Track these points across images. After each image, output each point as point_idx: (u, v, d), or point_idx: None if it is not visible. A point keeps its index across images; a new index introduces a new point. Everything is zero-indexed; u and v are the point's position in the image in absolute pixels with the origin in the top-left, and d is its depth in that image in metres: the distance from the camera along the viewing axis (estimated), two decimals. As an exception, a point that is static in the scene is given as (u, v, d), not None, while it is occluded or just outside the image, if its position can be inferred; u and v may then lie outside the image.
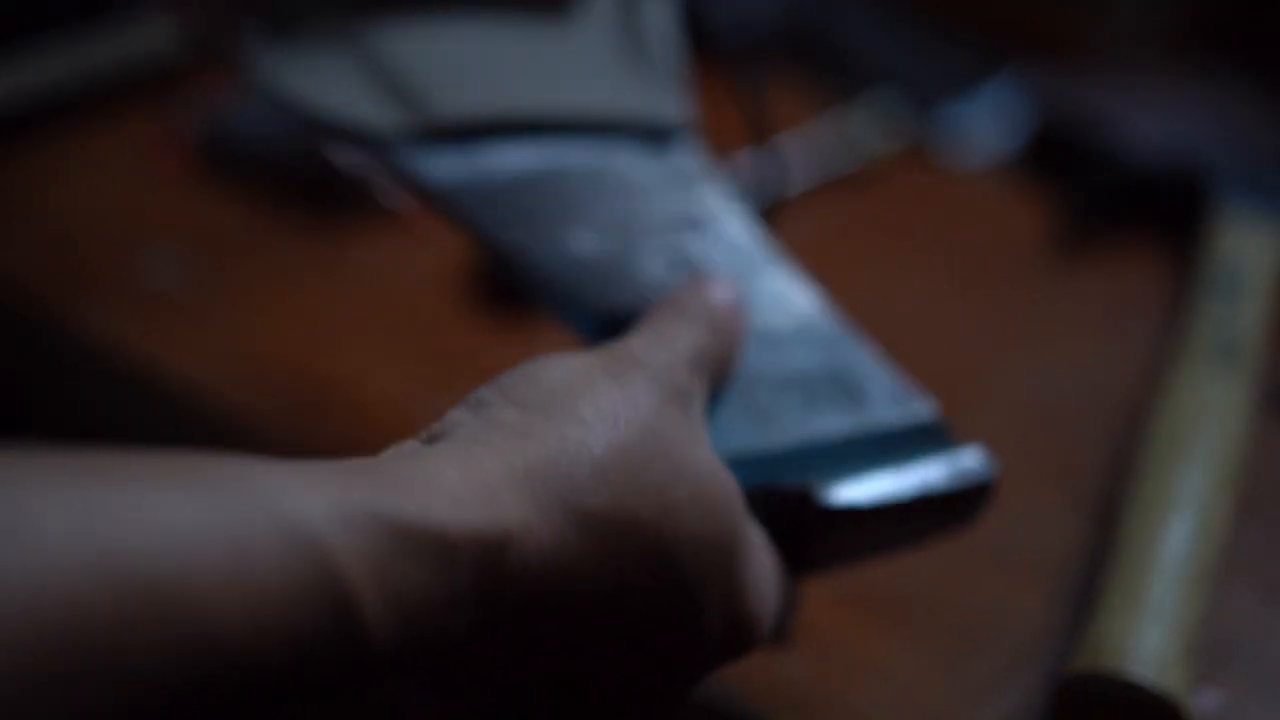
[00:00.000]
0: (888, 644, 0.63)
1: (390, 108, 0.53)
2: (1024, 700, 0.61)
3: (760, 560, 0.46)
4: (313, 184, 0.86)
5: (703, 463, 0.44)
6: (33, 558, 0.31)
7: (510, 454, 0.41)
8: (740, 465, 0.47)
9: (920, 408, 0.53)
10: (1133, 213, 0.89)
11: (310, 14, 0.56)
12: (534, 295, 0.52)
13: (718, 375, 0.49)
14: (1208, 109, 0.98)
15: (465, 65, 0.56)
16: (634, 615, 0.42)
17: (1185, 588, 0.61)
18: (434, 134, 0.54)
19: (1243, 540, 0.67)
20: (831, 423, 0.50)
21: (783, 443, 0.49)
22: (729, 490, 0.45)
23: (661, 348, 0.47)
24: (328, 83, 0.54)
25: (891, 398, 0.52)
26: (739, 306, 0.52)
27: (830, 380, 0.52)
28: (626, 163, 0.57)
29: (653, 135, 0.58)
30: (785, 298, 0.55)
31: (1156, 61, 1.05)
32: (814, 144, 0.89)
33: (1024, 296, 0.85)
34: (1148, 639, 0.58)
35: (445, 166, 0.53)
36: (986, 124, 0.98)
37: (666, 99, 0.59)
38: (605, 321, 0.51)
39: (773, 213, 0.67)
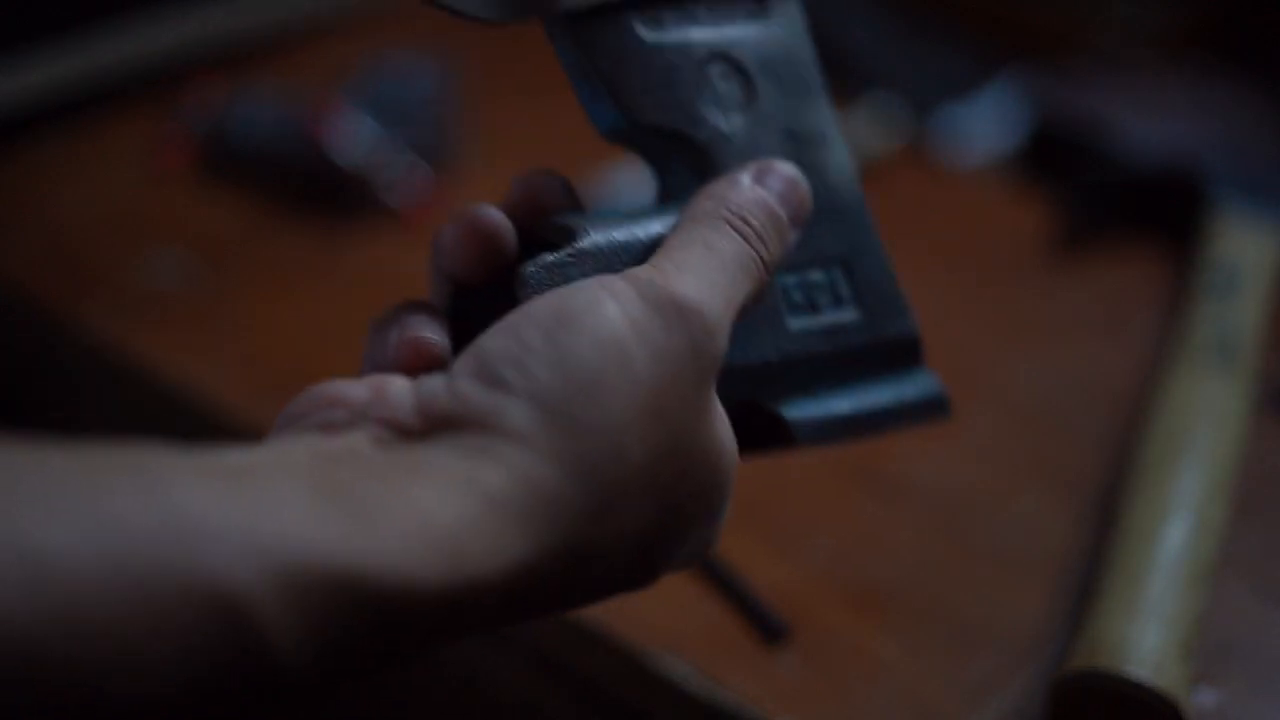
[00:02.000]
0: (887, 644, 0.63)
1: None
2: (1023, 699, 0.61)
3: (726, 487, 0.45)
4: (312, 184, 0.86)
5: (715, 441, 0.42)
6: None
7: (515, 479, 0.37)
8: (729, 378, 0.46)
9: (906, 323, 0.53)
10: (1130, 213, 0.89)
11: None
12: (573, 69, 0.49)
13: (756, 304, 0.46)
14: (1205, 110, 0.98)
15: None
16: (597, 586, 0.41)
17: (1183, 587, 0.61)
18: (548, 12, 0.52)
19: (1240, 539, 0.67)
20: (822, 339, 0.50)
21: (773, 356, 0.49)
22: (731, 456, 0.43)
23: (713, 295, 0.42)
24: None
25: (884, 304, 0.52)
26: (796, 215, 0.48)
27: (835, 282, 0.52)
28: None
29: (764, 4, 0.56)
30: (826, 151, 0.53)
31: (1154, 63, 1.05)
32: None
33: (1022, 296, 0.85)
34: (1146, 638, 0.58)
35: None
36: (985, 124, 0.98)
37: None
38: (632, 130, 0.49)
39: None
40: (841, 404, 0.51)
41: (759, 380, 0.49)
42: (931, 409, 0.52)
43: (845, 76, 0.99)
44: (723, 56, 0.52)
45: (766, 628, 0.63)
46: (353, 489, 0.35)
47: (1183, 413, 0.70)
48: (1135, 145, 0.92)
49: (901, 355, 0.53)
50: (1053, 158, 0.94)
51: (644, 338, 0.40)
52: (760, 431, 0.49)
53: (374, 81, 0.93)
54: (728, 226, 0.45)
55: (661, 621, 0.63)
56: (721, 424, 0.43)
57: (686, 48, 0.51)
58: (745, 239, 0.45)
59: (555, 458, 0.38)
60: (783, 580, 0.65)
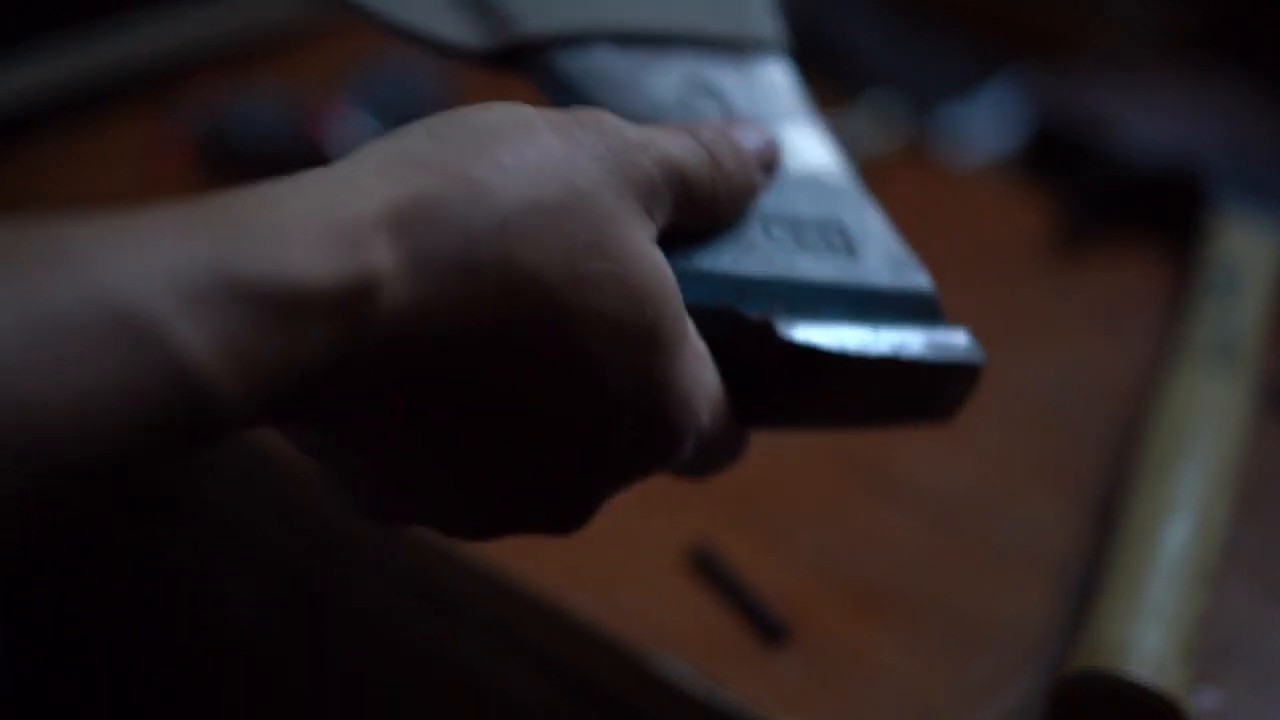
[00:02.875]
0: (887, 644, 0.63)
1: (473, 21, 0.51)
2: (1023, 699, 0.61)
3: (695, 369, 0.42)
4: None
5: (634, 244, 0.40)
6: None
7: (400, 187, 0.37)
8: (704, 282, 0.44)
9: (918, 278, 0.49)
10: (1131, 213, 0.89)
11: None
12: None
13: (703, 208, 0.44)
14: (1206, 109, 0.98)
15: None
16: (529, 388, 0.39)
17: (1184, 587, 0.61)
18: (516, 49, 0.51)
19: (1241, 540, 0.67)
20: (817, 267, 0.47)
21: (757, 272, 0.45)
22: (660, 281, 0.41)
23: (639, 133, 0.42)
24: None
25: (890, 261, 0.49)
26: (763, 155, 0.47)
27: (828, 229, 0.49)
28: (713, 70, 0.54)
29: (744, 53, 0.55)
30: (807, 148, 0.51)
31: (1155, 62, 1.05)
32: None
33: (1023, 296, 0.85)
34: (1146, 638, 0.58)
35: None
36: (985, 124, 0.98)
37: (761, 18, 0.56)
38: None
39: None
40: (854, 334, 0.45)
41: (746, 293, 0.45)
42: (965, 358, 0.47)
43: (845, 76, 0.99)
44: (701, 85, 0.52)
45: (766, 628, 0.63)
46: (226, 209, 0.35)
47: (1184, 413, 0.70)
48: (1136, 145, 0.92)
49: (920, 309, 0.48)
50: (1053, 158, 0.94)
51: (556, 125, 0.41)
52: (746, 350, 0.44)
53: (374, 81, 0.93)
54: (681, 128, 0.45)
55: (661, 621, 0.63)
56: (655, 256, 0.41)
57: (664, 70, 0.50)
58: (693, 135, 0.44)
59: (440, 176, 0.38)
60: (783, 580, 0.65)
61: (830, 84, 0.97)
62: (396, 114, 0.89)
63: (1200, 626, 0.60)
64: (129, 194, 0.87)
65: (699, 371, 0.43)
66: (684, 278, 0.43)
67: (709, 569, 0.65)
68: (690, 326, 0.43)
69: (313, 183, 0.37)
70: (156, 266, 0.33)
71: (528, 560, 0.65)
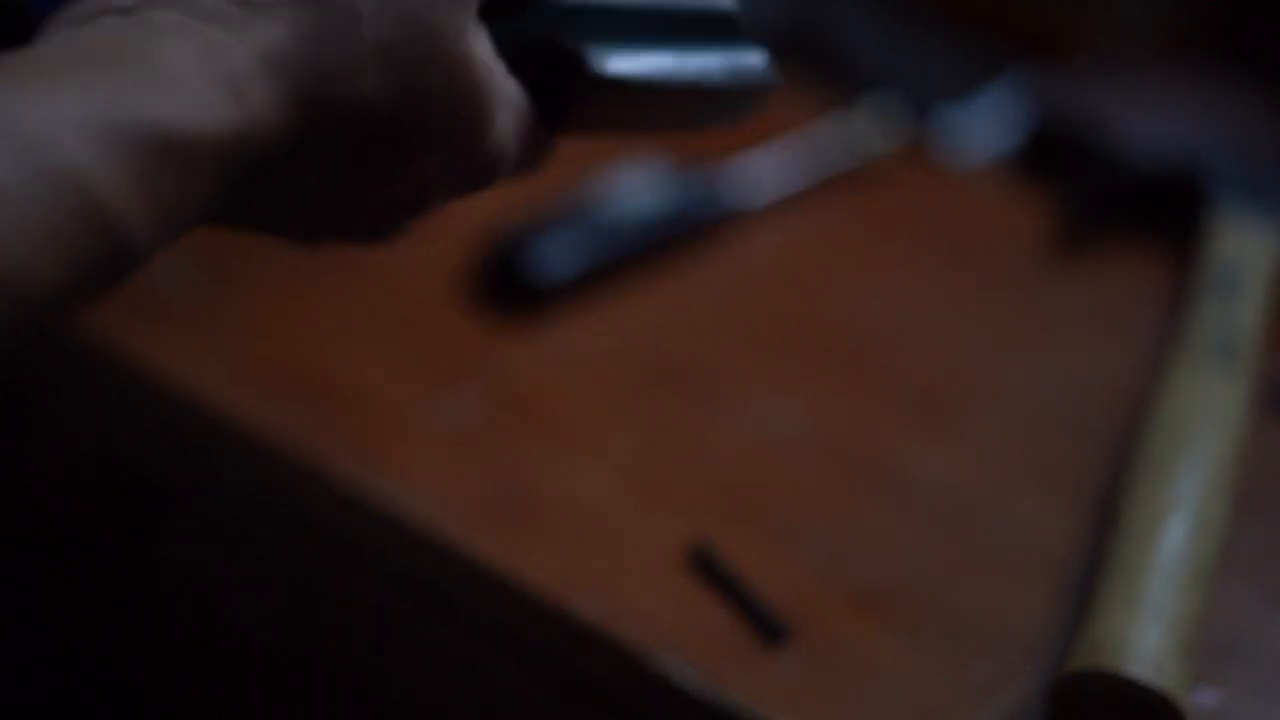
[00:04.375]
0: (887, 644, 0.63)
1: None
2: (1023, 699, 0.61)
3: (504, 109, 0.47)
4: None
5: (464, 54, 0.45)
6: None
7: (261, 41, 0.42)
8: (529, 14, 0.46)
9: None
10: (1130, 214, 0.89)
11: None
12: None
13: None
14: (1205, 110, 0.98)
15: None
16: (370, 170, 0.46)
17: (1183, 587, 0.61)
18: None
19: (1240, 539, 0.67)
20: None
21: (573, 1, 0.48)
22: (482, 87, 0.46)
23: None
24: None
25: None
26: None
27: None
28: None
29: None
30: None
31: (1155, 63, 1.05)
32: (814, 145, 0.89)
33: (1022, 297, 0.85)
34: (1146, 638, 0.58)
35: None
36: (986, 125, 0.98)
37: None
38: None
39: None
40: (660, 61, 0.48)
41: (557, 22, 0.48)
42: (761, 80, 0.50)
43: (845, 78, 0.99)
44: None
45: (766, 628, 0.63)
46: (120, 58, 0.40)
47: (1183, 413, 0.71)
48: (1135, 146, 0.92)
49: (722, 27, 0.51)
50: (1053, 158, 0.94)
51: None
52: (557, 78, 0.47)
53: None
54: None
55: (661, 621, 0.63)
56: (480, 40, 0.46)
57: None
58: None
59: (294, 27, 0.43)
60: (783, 580, 0.65)
61: (830, 86, 0.97)
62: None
63: (1199, 626, 0.60)
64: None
65: (506, 110, 0.47)
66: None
67: (709, 569, 0.65)
68: (499, 77, 0.47)
69: (181, 39, 0.41)
70: (71, 117, 0.37)
71: (528, 560, 0.65)
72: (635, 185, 0.83)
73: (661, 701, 0.62)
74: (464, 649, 0.69)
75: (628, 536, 0.66)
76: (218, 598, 0.78)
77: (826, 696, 0.61)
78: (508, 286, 0.77)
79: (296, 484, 0.70)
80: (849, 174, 0.90)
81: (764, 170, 0.86)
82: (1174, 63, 1.04)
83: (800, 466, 0.71)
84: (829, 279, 0.84)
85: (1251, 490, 0.70)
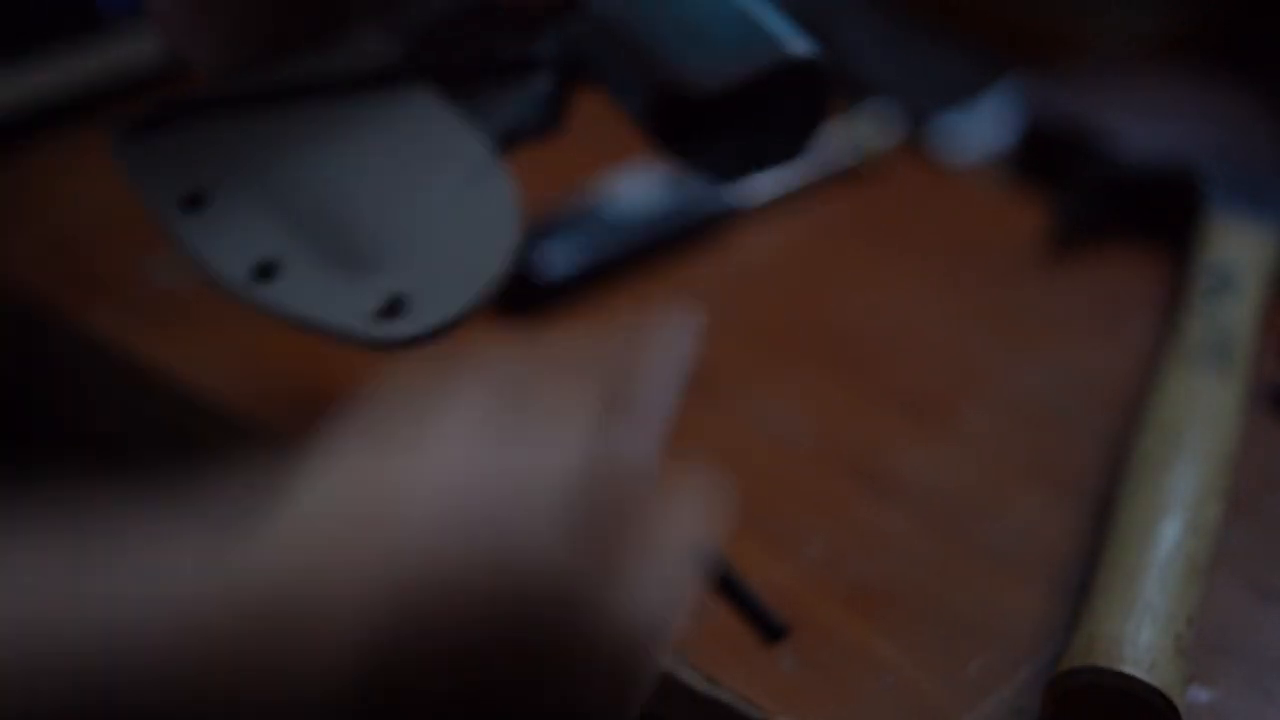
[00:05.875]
0: (886, 643, 0.63)
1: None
2: (1019, 697, 0.61)
3: (644, 581, 0.47)
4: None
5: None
6: None
7: (371, 584, 0.43)
8: None
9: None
10: (1126, 215, 0.89)
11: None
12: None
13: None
14: (1202, 113, 0.99)
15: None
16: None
17: (1177, 585, 0.61)
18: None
19: (1235, 538, 0.67)
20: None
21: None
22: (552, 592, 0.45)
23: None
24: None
25: None
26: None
27: None
28: None
29: None
30: None
31: (1151, 65, 1.05)
32: (812, 145, 0.89)
33: (1018, 297, 0.85)
34: (1140, 636, 0.58)
35: None
36: (983, 126, 0.99)
37: None
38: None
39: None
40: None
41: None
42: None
43: (844, 82, 0.99)
44: None
45: (766, 628, 0.63)
46: (272, 587, 0.43)
47: (1178, 412, 0.71)
48: (1132, 147, 0.92)
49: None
50: (1050, 159, 0.95)
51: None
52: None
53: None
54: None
55: (662, 621, 0.63)
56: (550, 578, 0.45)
57: None
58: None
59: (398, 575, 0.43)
60: (782, 580, 0.65)
61: (829, 88, 0.97)
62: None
63: (1194, 624, 0.61)
64: (130, 198, 0.87)
65: (648, 581, 0.47)
66: None
67: (710, 569, 0.65)
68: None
69: (313, 574, 0.43)
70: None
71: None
72: (636, 185, 0.83)
73: (661, 701, 0.62)
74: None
75: (628, 536, 0.67)
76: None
77: (826, 696, 0.61)
78: (510, 285, 0.78)
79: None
80: (848, 174, 0.91)
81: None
82: (1170, 66, 1.05)
83: (800, 467, 0.71)
84: (827, 279, 0.84)
85: (1246, 489, 0.70)
